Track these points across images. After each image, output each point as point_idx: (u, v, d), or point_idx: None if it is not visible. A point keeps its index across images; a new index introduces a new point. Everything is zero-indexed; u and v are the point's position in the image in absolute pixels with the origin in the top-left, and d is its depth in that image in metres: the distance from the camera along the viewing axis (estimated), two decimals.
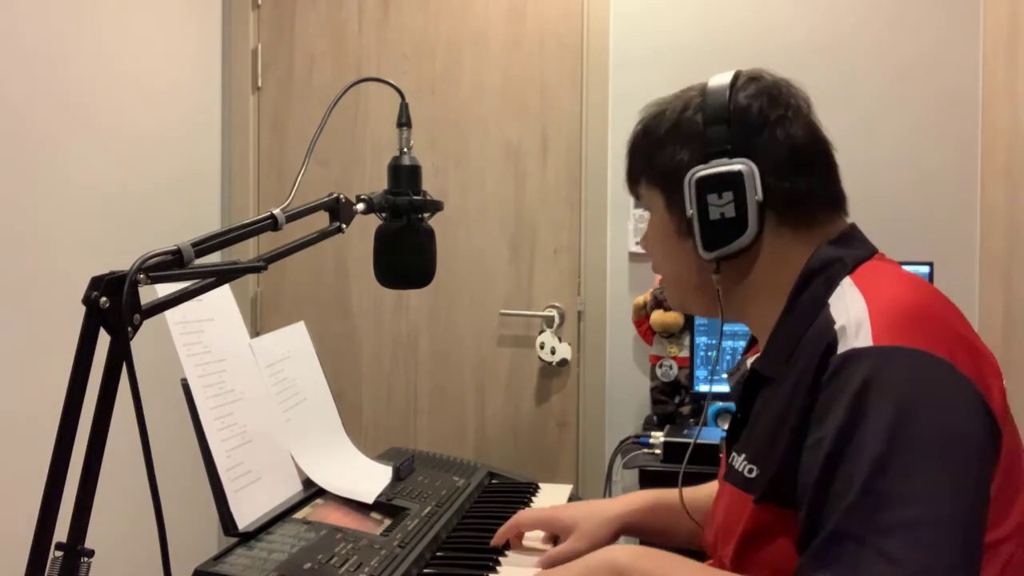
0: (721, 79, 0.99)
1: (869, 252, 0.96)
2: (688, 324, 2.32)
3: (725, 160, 0.93)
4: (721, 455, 1.07)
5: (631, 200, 2.48)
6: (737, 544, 0.91)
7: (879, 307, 0.84)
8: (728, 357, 2.23)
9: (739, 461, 0.94)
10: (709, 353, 2.26)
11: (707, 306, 1.03)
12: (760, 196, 0.92)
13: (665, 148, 0.99)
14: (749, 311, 1.01)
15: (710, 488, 1.23)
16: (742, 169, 0.92)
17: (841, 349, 0.82)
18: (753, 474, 0.91)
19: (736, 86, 0.97)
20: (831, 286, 0.90)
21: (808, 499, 0.80)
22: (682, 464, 1.10)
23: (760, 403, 0.95)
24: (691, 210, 0.95)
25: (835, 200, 0.99)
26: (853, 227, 0.99)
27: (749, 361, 1.04)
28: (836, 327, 0.84)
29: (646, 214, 1.07)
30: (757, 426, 0.93)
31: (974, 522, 0.76)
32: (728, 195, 0.93)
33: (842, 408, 0.79)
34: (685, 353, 2.36)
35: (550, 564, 1.20)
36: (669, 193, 1.00)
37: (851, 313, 0.84)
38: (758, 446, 0.91)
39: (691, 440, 2.05)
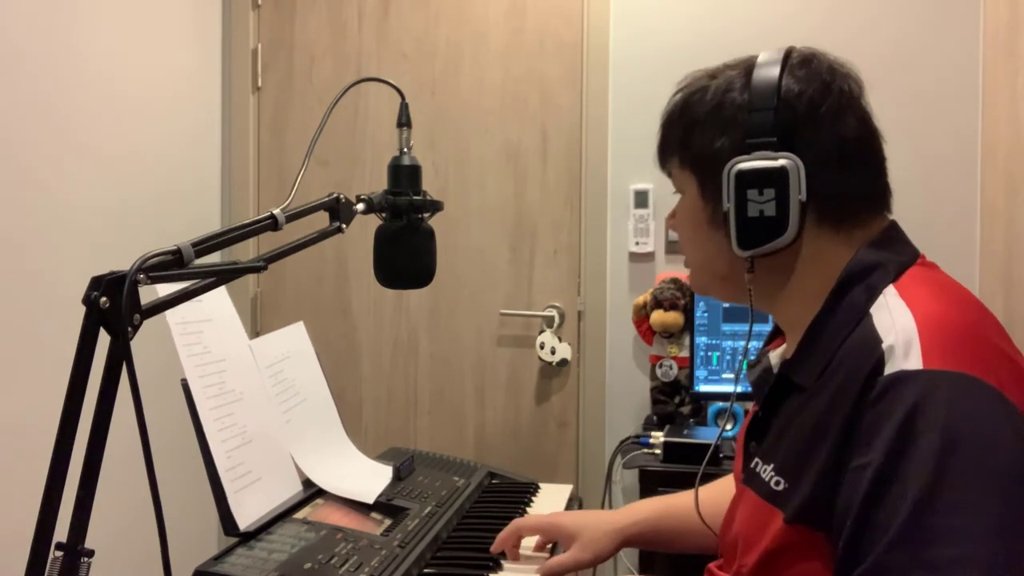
0: (771, 57, 0.91)
1: (911, 256, 0.91)
2: (688, 324, 2.32)
3: (769, 154, 0.86)
4: (725, 453, 1.05)
5: (631, 200, 2.47)
6: (761, 558, 0.87)
7: (928, 325, 0.79)
8: (729, 358, 2.23)
9: (765, 470, 0.90)
10: (709, 353, 2.25)
11: (731, 294, 0.98)
12: (804, 196, 0.86)
13: (703, 131, 0.92)
14: (778, 307, 0.96)
15: (721, 490, 1.19)
16: (787, 166, 0.86)
17: (889, 370, 0.77)
18: (781, 487, 0.86)
19: (786, 68, 0.90)
20: (872, 295, 0.85)
21: (849, 527, 0.76)
22: (691, 464, 1.07)
23: (789, 411, 0.90)
24: (728, 204, 0.88)
25: (879, 197, 0.94)
26: (894, 226, 0.93)
27: (772, 355, 0.99)
28: (884, 345, 0.79)
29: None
30: (787, 437, 0.88)
31: (1021, 559, 0.72)
32: (770, 192, 0.86)
33: (889, 433, 0.75)
34: (685, 353, 2.36)
35: (550, 572, 1.19)
36: (704, 179, 0.93)
37: (898, 330, 0.79)
38: (787, 459, 0.87)
39: (690, 440, 2.08)
